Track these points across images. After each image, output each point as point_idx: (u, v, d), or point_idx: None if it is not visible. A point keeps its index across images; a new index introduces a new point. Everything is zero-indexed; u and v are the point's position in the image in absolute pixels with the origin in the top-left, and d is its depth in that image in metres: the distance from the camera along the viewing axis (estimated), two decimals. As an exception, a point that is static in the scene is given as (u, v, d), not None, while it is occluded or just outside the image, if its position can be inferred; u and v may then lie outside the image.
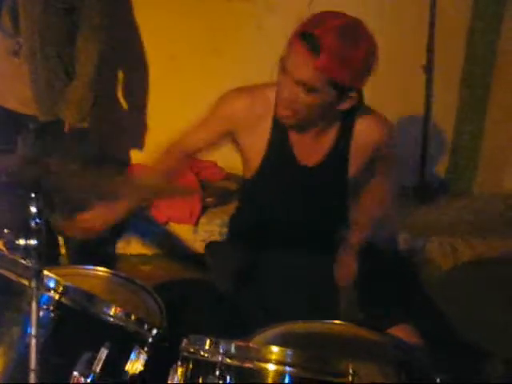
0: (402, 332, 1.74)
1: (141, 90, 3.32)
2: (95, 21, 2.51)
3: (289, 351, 1.20)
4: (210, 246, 2.28)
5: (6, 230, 1.10)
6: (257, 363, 1.21)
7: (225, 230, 3.10)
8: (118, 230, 3.15)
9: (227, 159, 2.93)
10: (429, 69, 3.13)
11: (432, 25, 3.07)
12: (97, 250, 2.72)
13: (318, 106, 1.73)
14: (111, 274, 1.82)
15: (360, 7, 3.05)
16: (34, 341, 1.12)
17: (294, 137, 1.87)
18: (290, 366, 1.21)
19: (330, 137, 1.88)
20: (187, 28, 3.16)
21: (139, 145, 3.39)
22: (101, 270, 1.82)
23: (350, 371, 1.17)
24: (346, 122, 1.87)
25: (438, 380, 1.30)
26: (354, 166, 1.92)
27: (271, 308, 1.89)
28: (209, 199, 3.24)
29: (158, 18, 3.15)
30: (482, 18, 3.13)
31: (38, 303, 1.13)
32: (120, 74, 3.24)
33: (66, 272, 1.72)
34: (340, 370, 1.19)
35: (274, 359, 1.21)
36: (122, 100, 3.32)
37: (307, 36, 1.61)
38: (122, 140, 3.39)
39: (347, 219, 2.03)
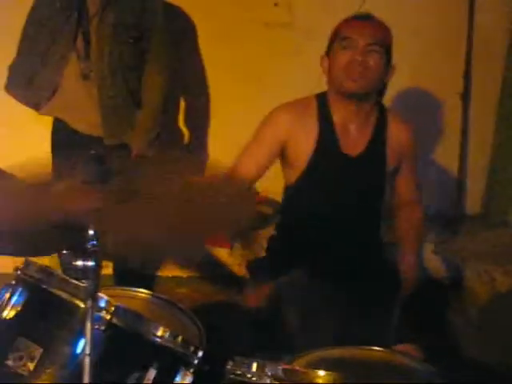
0: (407, 350, 1.76)
1: (202, 117, 3.36)
2: (163, 50, 2.62)
3: (335, 375, 1.21)
4: (251, 264, 2.32)
5: (64, 251, 1.14)
6: (304, 386, 1.21)
7: (260, 253, 3.14)
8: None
9: (262, 183, 2.95)
10: (465, 95, 3.14)
11: (469, 52, 3.09)
12: (138, 271, 2.76)
13: (379, 69, 2.02)
14: (152, 295, 1.84)
15: (396, 33, 3.13)
16: (87, 359, 1.15)
17: (340, 129, 2.07)
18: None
19: (369, 127, 2.11)
20: (226, 55, 3.21)
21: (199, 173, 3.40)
22: (142, 292, 1.83)
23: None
24: (381, 115, 2.13)
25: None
26: (391, 157, 2.13)
27: (309, 331, 1.90)
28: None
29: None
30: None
31: (93, 323, 1.16)
32: (182, 103, 3.29)
33: (109, 293, 1.75)
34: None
35: (320, 383, 1.21)
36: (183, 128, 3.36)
37: (359, 16, 2.07)
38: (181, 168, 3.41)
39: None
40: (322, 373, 1.23)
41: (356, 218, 2.11)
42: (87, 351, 1.14)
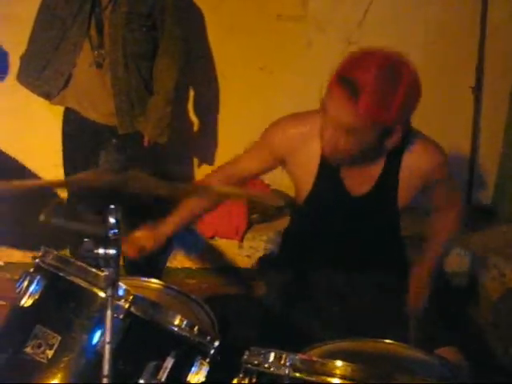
0: (448, 353, 1.73)
1: (212, 106, 3.35)
2: (175, 39, 2.63)
3: (353, 366, 1.21)
4: (263, 260, 2.30)
5: (85, 239, 1.14)
6: (322, 377, 1.22)
7: (270, 245, 3.15)
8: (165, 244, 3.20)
9: (274, 176, 2.96)
10: (477, 89, 3.13)
11: (482, 45, 3.08)
12: (149, 262, 2.77)
13: (362, 147, 1.70)
14: (164, 286, 1.84)
15: (408, 28, 3.13)
16: (107, 347, 1.15)
17: (343, 167, 1.84)
18: (353, 380, 1.21)
19: (379, 165, 1.84)
20: (237, 46, 3.21)
21: (210, 161, 3.41)
22: (154, 283, 1.84)
23: (416, 385, 1.18)
24: (395, 149, 1.79)
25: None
26: (403, 195, 1.86)
27: (321, 325, 1.90)
28: (254, 215, 3.28)
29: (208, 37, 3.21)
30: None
31: (113, 311, 1.17)
32: (192, 92, 3.29)
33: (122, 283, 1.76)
34: (405, 384, 1.19)
35: (338, 374, 1.22)
36: (193, 116, 3.35)
37: (346, 80, 1.58)
38: (192, 156, 3.42)
39: (400, 246, 2.05)
40: (339, 363, 1.23)
41: (367, 244, 1.96)
42: (107, 339, 1.15)
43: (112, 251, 1.14)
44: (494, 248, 3.12)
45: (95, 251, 1.14)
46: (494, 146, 3.31)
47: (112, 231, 1.15)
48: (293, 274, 2.06)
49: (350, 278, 1.97)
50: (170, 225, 1.93)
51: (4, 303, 2.51)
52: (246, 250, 3.19)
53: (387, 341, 1.60)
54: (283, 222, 2.33)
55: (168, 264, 3.22)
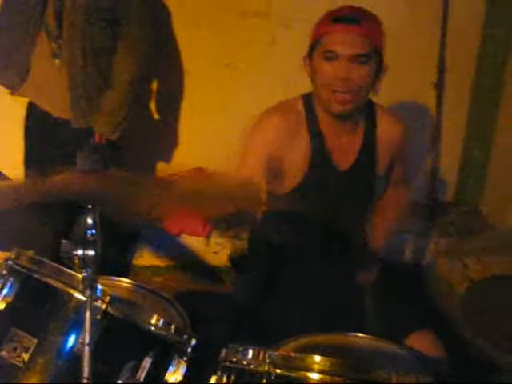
0: (423, 339, 1.77)
1: (174, 103, 3.31)
2: (135, 34, 2.56)
3: (332, 360, 1.23)
4: (233, 258, 2.30)
5: (63, 241, 1.13)
6: (302, 372, 1.23)
7: (237, 242, 3.15)
8: (131, 242, 3.18)
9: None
10: (439, 86, 3.19)
11: (443, 42, 3.14)
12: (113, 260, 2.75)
13: (368, 80, 1.83)
14: (135, 285, 1.83)
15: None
16: (87, 349, 1.14)
17: (330, 143, 1.93)
18: (332, 375, 1.22)
19: (359, 135, 1.96)
20: (201, 43, 3.19)
21: (167, 159, 3.37)
22: (125, 282, 1.83)
23: (394, 381, 1.19)
24: (370, 118, 1.98)
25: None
26: (381, 164, 2.01)
27: (292, 320, 1.91)
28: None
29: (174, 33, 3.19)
30: (492, 39, 3.20)
31: (92, 312, 1.16)
32: (154, 85, 3.23)
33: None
34: (383, 380, 1.21)
35: (317, 368, 1.23)
36: (153, 112, 3.30)
37: (342, 18, 1.80)
38: (151, 153, 3.36)
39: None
40: (317, 358, 1.24)
41: (345, 219, 2.00)
42: (87, 340, 1.14)
43: (90, 252, 1.13)
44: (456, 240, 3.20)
45: (73, 252, 1.12)
46: (456, 141, 3.38)
47: (89, 232, 1.14)
48: (263, 269, 2.07)
49: (323, 271, 1.97)
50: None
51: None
52: (213, 247, 3.19)
53: (360, 334, 1.62)
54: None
55: (134, 262, 3.20)
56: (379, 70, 1.85)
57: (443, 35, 3.13)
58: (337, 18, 1.81)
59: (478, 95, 3.27)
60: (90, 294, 1.15)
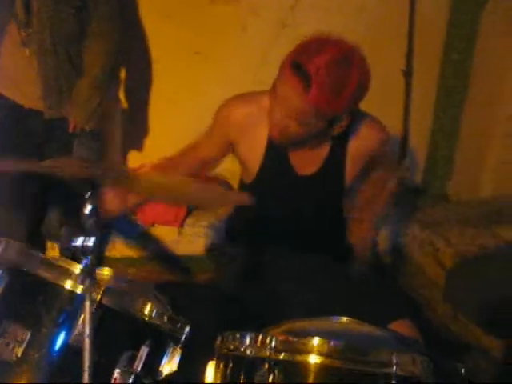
0: (402, 327, 1.79)
1: (142, 90, 3.27)
2: (104, 21, 2.53)
3: (331, 343, 1.23)
4: (212, 248, 2.30)
5: (63, 228, 1.11)
6: (301, 356, 1.22)
7: (210, 231, 3.14)
8: (103, 233, 3.13)
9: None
10: (408, 73, 3.23)
11: (411, 31, 3.18)
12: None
13: (310, 133, 1.74)
14: (115, 275, 1.81)
15: (342, 10, 3.18)
16: (87, 341, 1.12)
17: (290, 148, 1.87)
18: (332, 357, 1.22)
19: (326, 147, 1.88)
20: (170, 31, 3.15)
21: (139, 147, 3.33)
22: (106, 272, 1.81)
23: (394, 361, 1.21)
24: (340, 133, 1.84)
25: (462, 370, 1.34)
26: (350, 174, 1.92)
27: (273, 307, 1.92)
28: (192, 201, 3.26)
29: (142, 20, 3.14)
30: (457, 25, 3.25)
31: (91, 303, 1.14)
32: (122, 74, 3.18)
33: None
34: (382, 360, 1.22)
35: (316, 351, 1.22)
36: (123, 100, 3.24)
37: (298, 66, 1.61)
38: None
39: (344, 227, 2.04)
40: (316, 341, 1.24)
41: (314, 223, 2.01)
42: (87, 332, 1.12)
43: (90, 241, 1.11)
44: (426, 224, 3.26)
45: (72, 242, 1.10)
46: (423, 127, 3.44)
47: (89, 220, 1.12)
48: (240, 258, 2.07)
49: (295, 259, 1.98)
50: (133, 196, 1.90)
51: None
52: (187, 237, 3.18)
53: (344, 318, 1.63)
54: (223, 208, 2.34)
55: (107, 253, 3.16)
56: (332, 126, 1.73)
57: (411, 23, 3.17)
58: (295, 64, 1.62)
59: (446, 81, 3.33)
60: (90, 283, 1.14)
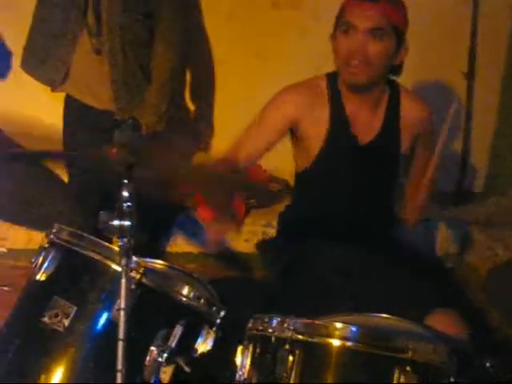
0: (444, 316, 1.79)
1: (207, 92, 3.37)
2: (171, 26, 2.68)
3: (353, 328, 1.29)
4: (261, 243, 2.36)
5: (101, 212, 1.21)
6: (323, 338, 1.29)
7: (269, 230, 3.21)
8: (165, 229, 3.26)
9: (269, 161, 3.01)
10: (470, 75, 3.20)
11: (474, 32, 3.14)
12: (148, 247, 2.82)
13: (384, 55, 1.92)
14: (168, 266, 1.91)
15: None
16: (122, 313, 1.23)
17: (351, 114, 2.02)
18: (352, 341, 1.28)
19: (381, 111, 2.05)
20: (233, 33, 3.24)
21: (205, 148, 3.43)
22: (158, 263, 1.91)
23: (410, 347, 1.25)
24: (394, 95, 2.06)
25: (487, 364, 1.36)
26: (405, 141, 2.07)
27: (321, 303, 1.95)
28: (251, 200, 3.34)
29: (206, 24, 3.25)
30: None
31: (128, 280, 1.24)
32: (188, 76, 3.30)
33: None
34: (400, 346, 1.26)
35: (338, 335, 1.28)
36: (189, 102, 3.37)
37: None
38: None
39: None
40: (339, 325, 1.30)
41: (369, 202, 2.08)
42: (122, 305, 1.22)
43: (126, 223, 1.21)
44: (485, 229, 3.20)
45: (110, 223, 1.21)
46: (486, 131, 3.38)
47: (126, 204, 1.22)
48: (292, 254, 2.12)
49: (350, 252, 2.01)
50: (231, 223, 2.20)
51: (8, 289, 2.57)
52: (245, 235, 3.26)
53: (384, 315, 1.65)
54: (281, 207, 2.40)
55: (168, 249, 3.28)
56: (398, 48, 1.94)
57: (474, 23, 3.13)
58: None
59: (509, 83, 3.26)
60: (126, 262, 1.23)
